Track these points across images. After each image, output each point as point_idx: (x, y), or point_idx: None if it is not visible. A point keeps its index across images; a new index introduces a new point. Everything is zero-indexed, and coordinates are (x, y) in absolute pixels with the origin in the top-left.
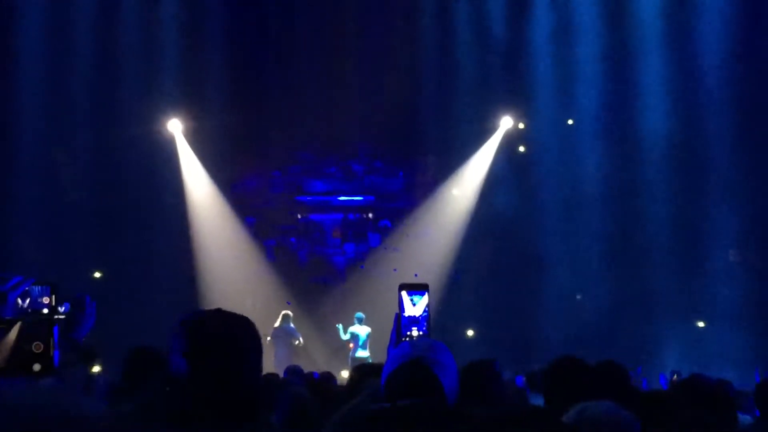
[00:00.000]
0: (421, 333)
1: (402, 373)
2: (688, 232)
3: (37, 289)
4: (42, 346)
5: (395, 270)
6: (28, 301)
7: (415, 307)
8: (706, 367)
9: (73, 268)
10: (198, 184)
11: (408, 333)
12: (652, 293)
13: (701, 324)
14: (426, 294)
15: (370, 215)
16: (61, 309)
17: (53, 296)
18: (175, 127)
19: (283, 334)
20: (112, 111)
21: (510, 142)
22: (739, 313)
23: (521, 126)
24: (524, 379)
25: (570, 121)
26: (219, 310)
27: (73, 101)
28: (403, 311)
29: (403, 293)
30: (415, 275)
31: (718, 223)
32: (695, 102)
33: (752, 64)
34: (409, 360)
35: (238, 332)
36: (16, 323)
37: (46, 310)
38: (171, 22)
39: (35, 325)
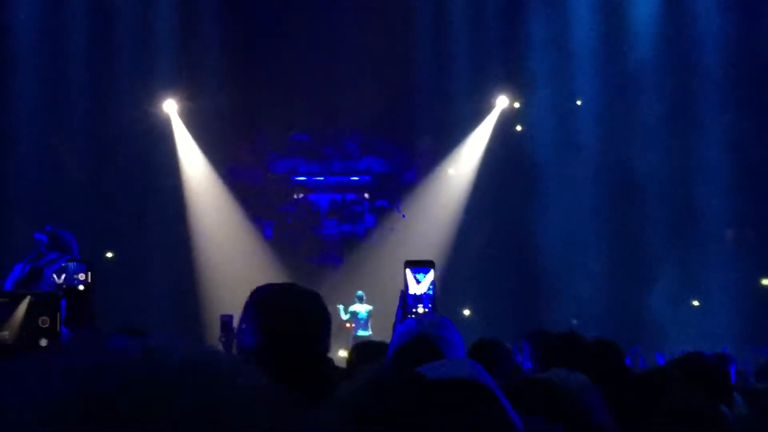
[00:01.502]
0: (426, 310)
1: (408, 349)
2: (685, 212)
3: (72, 265)
4: (48, 320)
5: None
6: (63, 276)
7: (420, 284)
8: (701, 346)
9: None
10: (194, 164)
11: (413, 310)
12: (649, 272)
13: (696, 303)
14: (431, 271)
15: (367, 195)
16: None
17: (89, 273)
18: (170, 107)
19: None
20: (108, 92)
21: (506, 121)
22: (735, 293)
23: (516, 105)
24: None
25: (579, 102)
26: (290, 285)
27: (68, 83)
28: (408, 289)
29: (408, 271)
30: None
31: (714, 203)
32: (693, 84)
33: (749, 52)
34: (415, 337)
35: (309, 307)
36: (24, 298)
37: (81, 287)
38: (166, 3)
39: (42, 298)
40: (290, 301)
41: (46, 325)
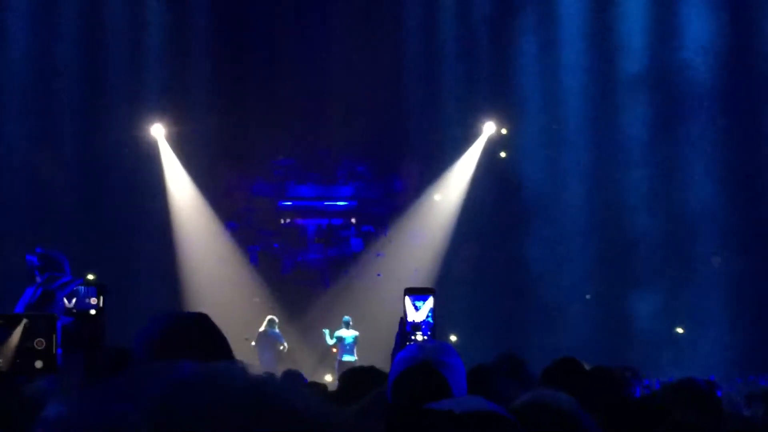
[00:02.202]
0: (425, 338)
1: (410, 376)
2: (672, 238)
3: (83, 289)
4: (44, 342)
5: (379, 275)
6: (74, 300)
7: (419, 311)
8: (690, 372)
9: None
10: (181, 188)
11: (412, 338)
12: (637, 296)
13: (680, 330)
14: (431, 298)
15: (353, 220)
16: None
17: (101, 297)
18: (158, 132)
19: (268, 339)
20: (96, 116)
21: (493, 147)
22: (721, 319)
23: (504, 131)
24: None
25: (555, 126)
26: (171, 312)
27: (56, 106)
28: (407, 316)
29: (407, 298)
30: (378, 275)
31: (701, 229)
32: (679, 106)
33: (738, 67)
34: (416, 363)
35: (185, 328)
36: (20, 320)
37: (93, 311)
38: (154, 27)
39: (37, 321)
40: (163, 325)
41: (42, 347)
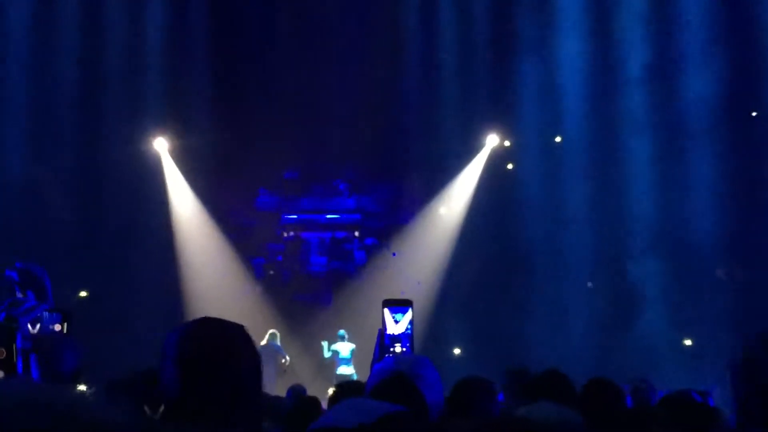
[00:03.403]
0: (404, 350)
1: (385, 387)
2: (674, 250)
3: (47, 315)
4: (5, 352)
5: (394, 254)
6: (38, 327)
7: (398, 324)
8: (694, 385)
9: (59, 288)
10: (184, 202)
11: (391, 350)
12: (640, 310)
13: (688, 342)
14: (409, 310)
15: (357, 233)
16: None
17: (65, 323)
18: (161, 146)
19: (270, 352)
20: (98, 130)
21: (496, 160)
22: (727, 331)
23: (507, 144)
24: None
25: (558, 138)
26: (210, 318)
27: (58, 121)
28: (386, 328)
29: (386, 310)
30: (393, 254)
31: (704, 241)
32: (680, 120)
33: (742, 97)
34: (391, 375)
35: (231, 337)
36: None
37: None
38: (156, 40)
39: None
40: (209, 332)
41: (3, 357)
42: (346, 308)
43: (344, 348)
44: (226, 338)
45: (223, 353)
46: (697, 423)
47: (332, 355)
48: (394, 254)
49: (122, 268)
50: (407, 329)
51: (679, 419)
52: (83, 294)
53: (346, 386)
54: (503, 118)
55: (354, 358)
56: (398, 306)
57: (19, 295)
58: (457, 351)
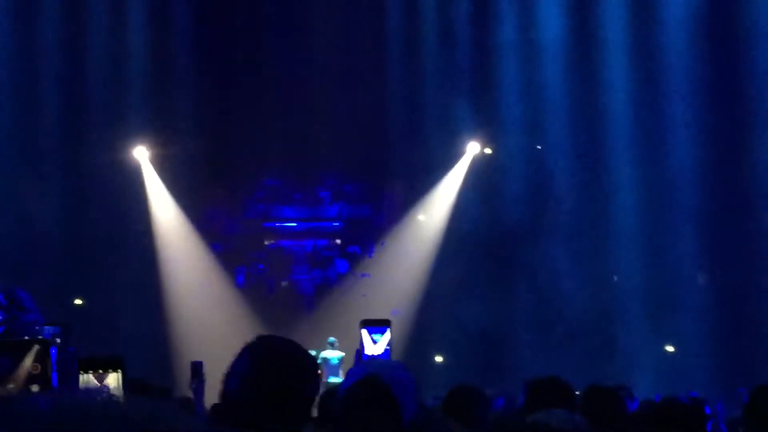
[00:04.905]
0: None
1: (357, 388)
2: (656, 255)
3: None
4: (39, 367)
5: (364, 295)
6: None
7: (377, 345)
8: (676, 391)
9: (43, 298)
10: (165, 211)
11: None
12: (622, 317)
13: (670, 348)
14: (388, 330)
15: (339, 241)
16: None
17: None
18: (141, 154)
19: None
20: (79, 139)
21: (477, 167)
22: (708, 336)
23: (488, 151)
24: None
25: (538, 147)
26: (290, 343)
27: (39, 130)
28: (364, 349)
29: (364, 331)
30: (363, 295)
31: (686, 246)
32: (667, 129)
33: (721, 88)
34: (364, 377)
35: (297, 354)
36: (31, 345)
37: None
38: (137, 49)
39: (32, 346)
40: (278, 348)
41: (37, 371)
42: (329, 316)
43: (334, 355)
44: (293, 354)
45: (292, 368)
46: (692, 427)
47: (322, 363)
48: (363, 275)
49: (105, 276)
50: (386, 350)
51: (675, 423)
52: (78, 302)
53: (331, 395)
54: (485, 125)
55: (342, 366)
56: (377, 326)
57: (2, 317)
58: (439, 358)
